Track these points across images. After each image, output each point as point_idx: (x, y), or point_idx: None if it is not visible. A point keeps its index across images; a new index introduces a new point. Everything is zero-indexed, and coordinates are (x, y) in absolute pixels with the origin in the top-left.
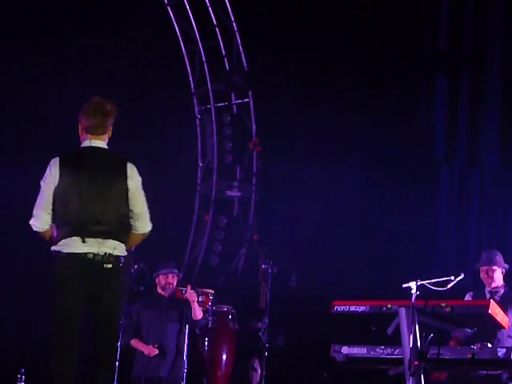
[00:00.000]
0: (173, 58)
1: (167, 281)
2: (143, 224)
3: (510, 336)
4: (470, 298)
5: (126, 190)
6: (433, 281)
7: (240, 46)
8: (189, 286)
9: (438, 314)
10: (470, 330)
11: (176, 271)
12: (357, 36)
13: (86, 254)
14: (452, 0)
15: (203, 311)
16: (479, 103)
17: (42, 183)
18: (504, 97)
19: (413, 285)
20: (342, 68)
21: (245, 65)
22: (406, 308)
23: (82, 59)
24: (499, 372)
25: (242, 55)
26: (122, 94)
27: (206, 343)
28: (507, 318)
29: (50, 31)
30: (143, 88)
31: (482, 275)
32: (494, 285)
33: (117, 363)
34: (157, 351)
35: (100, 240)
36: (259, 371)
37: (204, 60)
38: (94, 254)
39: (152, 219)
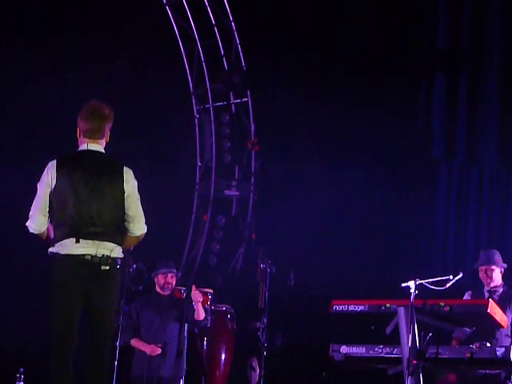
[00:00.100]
0: (172, 58)
1: (166, 280)
2: (138, 226)
3: (507, 335)
4: (469, 298)
5: (122, 193)
6: (431, 280)
7: (239, 46)
8: (194, 287)
9: (436, 314)
10: (468, 330)
11: (175, 271)
12: (356, 36)
13: (83, 255)
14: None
15: None
16: (478, 103)
17: (38, 186)
18: (503, 96)
19: (411, 284)
20: (341, 68)
21: (243, 64)
22: (405, 307)
23: (81, 59)
24: (498, 371)
25: (241, 55)
26: (121, 93)
27: (205, 343)
28: (506, 317)
29: (50, 31)
30: (142, 87)
31: (481, 275)
32: (492, 284)
33: (116, 363)
34: (160, 350)
35: (97, 242)
36: (258, 370)
37: (203, 59)
38: (91, 256)
39: (150, 218)
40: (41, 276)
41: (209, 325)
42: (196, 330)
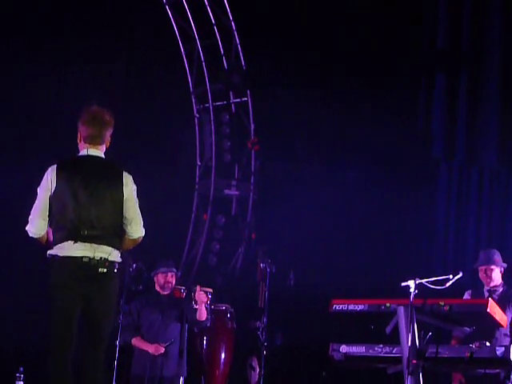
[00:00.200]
0: (171, 58)
1: (166, 279)
2: (135, 229)
3: (507, 334)
4: (469, 297)
5: (121, 197)
6: (431, 279)
7: (238, 45)
8: (198, 287)
9: (436, 313)
10: (468, 329)
11: (175, 270)
12: (356, 36)
13: (81, 257)
14: None
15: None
16: (478, 103)
17: (38, 190)
18: (503, 96)
19: (411, 283)
20: (341, 68)
21: (243, 64)
22: (405, 307)
23: (81, 59)
24: (497, 371)
25: (241, 54)
26: (120, 93)
27: (204, 342)
28: (506, 317)
29: (50, 31)
30: (142, 87)
31: (481, 275)
32: (492, 284)
33: (115, 362)
34: (163, 350)
35: (95, 245)
36: (257, 370)
37: (202, 59)
38: (89, 258)
39: (150, 218)
40: (41, 276)
41: (209, 324)
42: (196, 330)
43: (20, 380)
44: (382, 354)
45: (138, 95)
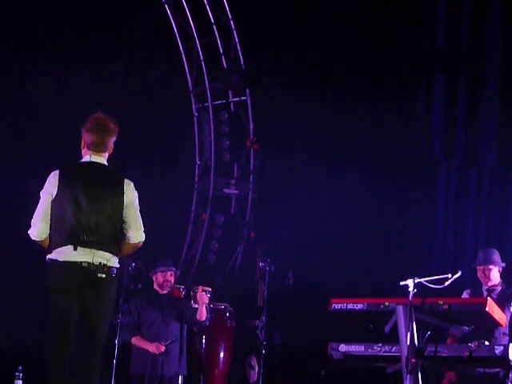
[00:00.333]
0: (171, 57)
1: (165, 278)
2: (135, 234)
3: (505, 333)
4: (467, 296)
5: (121, 204)
6: (430, 278)
7: (238, 44)
8: (200, 288)
9: (435, 312)
10: (467, 328)
11: (174, 269)
12: (356, 35)
13: (80, 262)
14: None
15: None
16: (478, 103)
17: (41, 194)
18: (502, 96)
19: (410, 282)
20: (340, 67)
21: (242, 63)
22: (404, 306)
23: (81, 59)
24: (496, 370)
25: (240, 53)
26: (120, 92)
27: (204, 341)
28: (504, 316)
29: (50, 31)
30: (141, 86)
31: (479, 274)
32: (490, 283)
33: (114, 361)
34: (164, 348)
35: (94, 250)
36: (256, 369)
37: (202, 58)
38: (89, 263)
39: (149, 217)
40: (40, 276)
41: (208, 323)
42: (195, 329)
43: (19, 379)
44: (380, 353)
45: (137, 94)
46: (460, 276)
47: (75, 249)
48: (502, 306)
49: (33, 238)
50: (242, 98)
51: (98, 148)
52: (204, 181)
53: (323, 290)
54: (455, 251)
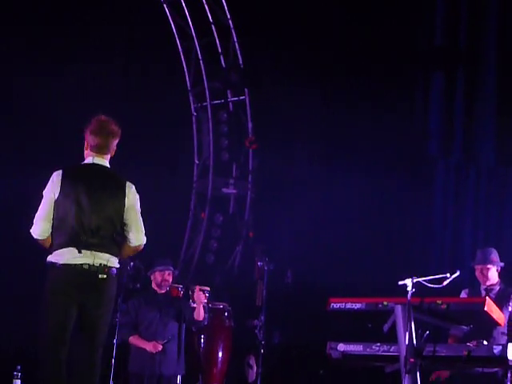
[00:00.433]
0: (169, 56)
1: (163, 278)
2: (136, 237)
3: (504, 333)
4: (466, 295)
5: (122, 207)
6: (428, 278)
7: (236, 44)
8: (197, 287)
9: (433, 311)
10: (465, 327)
11: (172, 268)
12: (355, 35)
13: (81, 264)
14: None
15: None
16: (475, 102)
17: (44, 193)
18: (500, 95)
19: (408, 282)
20: (339, 67)
21: (241, 62)
22: (402, 305)
23: (81, 59)
24: (495, 369)
25: (239, 53)
26: (119, 92)
27: (202, 340)
28: (503, 315)
29: (50, 31)
30: (140, 86)
31: (477, 273)
32: (488, 283)
33: (113, 360)
34: (161, 347)
35: (94, 252)
36: (255, 368)
37: (200, 57)
38: (89, 265)
39: (148, 217)
40: (40, 276)
41: (206, 323)
42: (193, 329)
43: (18, 378)
44: (379, 353)
45: (136, 94)
46: (458, 275)
47: (79, 252)
48: (501, 306)
49: (34, 237)
50: (241, 97)
51: (101, 150)
52: (203, 180)
53: (322, 290)
54: (453, 251)
